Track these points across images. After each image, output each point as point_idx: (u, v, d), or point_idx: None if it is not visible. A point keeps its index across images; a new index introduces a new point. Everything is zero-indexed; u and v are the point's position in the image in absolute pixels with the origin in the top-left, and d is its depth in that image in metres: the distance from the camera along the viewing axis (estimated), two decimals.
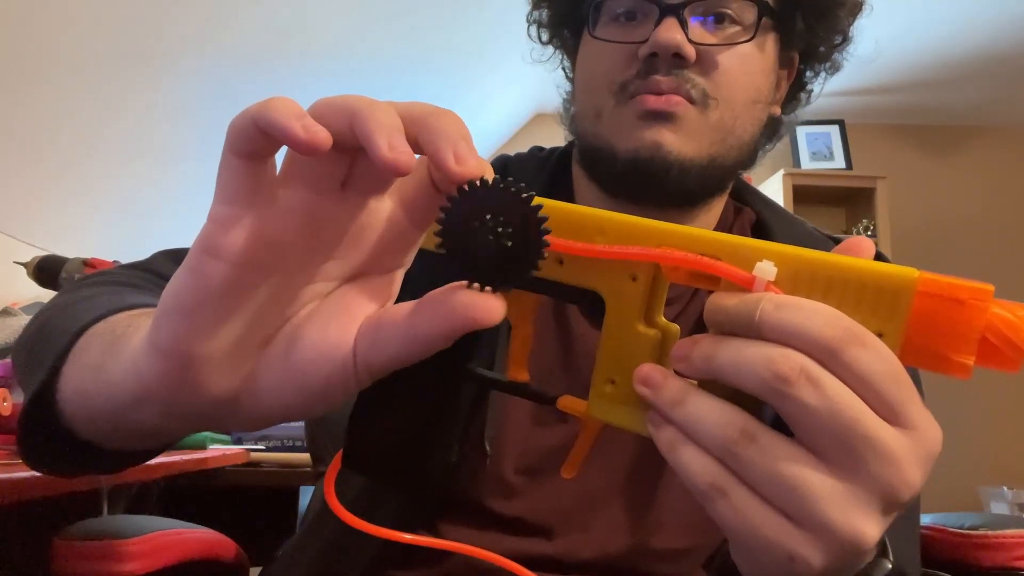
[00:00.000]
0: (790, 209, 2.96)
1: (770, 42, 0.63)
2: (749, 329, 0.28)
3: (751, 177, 3.21)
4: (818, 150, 3.20)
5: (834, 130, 3.22)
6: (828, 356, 0.27)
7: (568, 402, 0.35)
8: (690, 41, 0.58)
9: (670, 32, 0.57)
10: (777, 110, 0.68)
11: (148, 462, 0.72)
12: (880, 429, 0.27)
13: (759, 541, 0.28)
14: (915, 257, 3.20)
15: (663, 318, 0.32)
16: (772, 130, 0.70)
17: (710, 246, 0.30)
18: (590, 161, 0.66)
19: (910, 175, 3.37)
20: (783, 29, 0.64)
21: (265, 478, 1.57)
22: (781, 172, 3.03)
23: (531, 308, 0.35)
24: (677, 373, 0.31)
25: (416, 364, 0.30)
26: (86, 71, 1.48)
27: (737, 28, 0.60)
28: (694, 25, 0.59)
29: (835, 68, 0.70)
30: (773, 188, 3.05)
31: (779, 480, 0.27)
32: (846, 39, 0.68)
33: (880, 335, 0.28)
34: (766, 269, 0.28)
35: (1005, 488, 2.87)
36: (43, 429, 0.39)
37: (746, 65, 0.61)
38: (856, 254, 0.31)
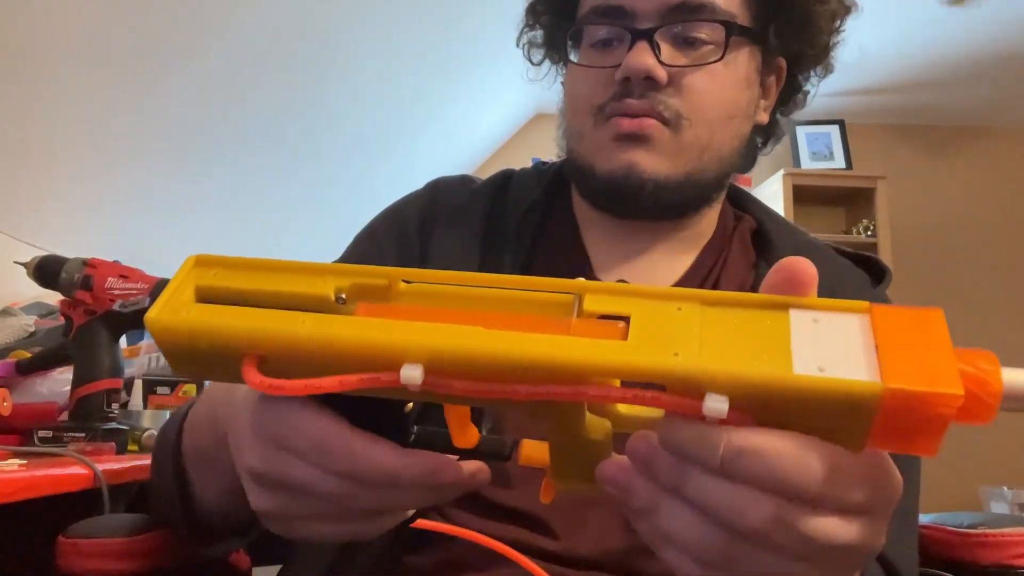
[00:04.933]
0: (790, 209, 2.96)
1: (744, 57, 0.64)
2: (711, 467, 0.27)
3: (751, 178, 3.22)
4: (818, 150, 3.20)
5: (834, 130, 3.22)
6: (797, 495, 0.27)
7: (530, 451, 0.33)
8: (661, 63, 0.61)
9: (640, 56, 0.60)
10: (765, 117, 0.70)
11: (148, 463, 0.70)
12: (854, 532, 0.28)
13: None
14: (915, 257, 3.20)
15: None
16: (767, 134, 0.72)
17: (649, 374, 0.27)
18: (576, 178, 0.69)
19: (910, 175, 3.37)
20: (759, 43, 0.65)
21: None
22: (781, 172, 3.03)
23: None
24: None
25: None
26: (87, 71, 1.48)
27: (709, 47, 0.62)
28: (665, 48, 0.61)
29: (828, 69, 0.71)
30: (773, 188, 3.05)
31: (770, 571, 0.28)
32: (831, 43, 0.69)
33: (844, 432, 0.27)
34: (717, 408, 0.26)
35: (1005, 488, 2.87)
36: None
37: (718, 83, 0.62)
38: (798, 285, 0.29)
